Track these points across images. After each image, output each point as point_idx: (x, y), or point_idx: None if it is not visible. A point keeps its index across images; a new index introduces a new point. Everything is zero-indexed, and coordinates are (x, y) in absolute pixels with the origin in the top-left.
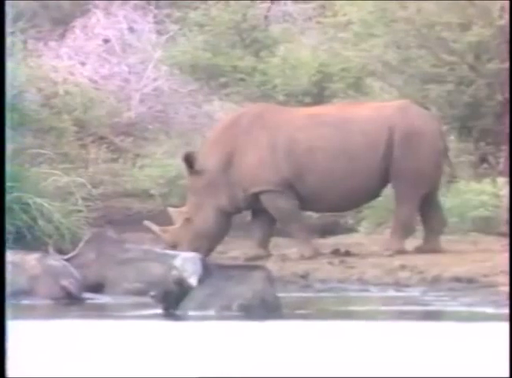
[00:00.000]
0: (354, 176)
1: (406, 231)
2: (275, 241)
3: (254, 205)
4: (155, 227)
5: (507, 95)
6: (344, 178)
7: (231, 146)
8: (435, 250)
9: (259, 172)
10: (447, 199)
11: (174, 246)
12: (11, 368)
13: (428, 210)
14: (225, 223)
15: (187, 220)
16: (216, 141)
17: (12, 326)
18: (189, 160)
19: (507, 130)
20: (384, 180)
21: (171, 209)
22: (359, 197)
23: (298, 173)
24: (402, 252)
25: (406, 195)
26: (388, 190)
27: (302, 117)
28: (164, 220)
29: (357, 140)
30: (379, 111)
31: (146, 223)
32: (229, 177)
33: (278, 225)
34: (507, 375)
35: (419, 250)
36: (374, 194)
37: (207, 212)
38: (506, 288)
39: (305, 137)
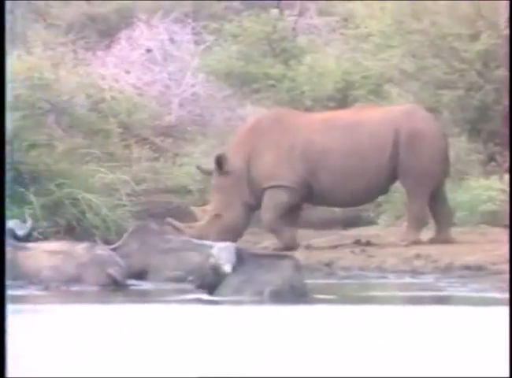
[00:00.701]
0: (364, 174)
1: (419, 223)
2: (302, 232)
3: None
4: (179, 224)
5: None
6: (355, 176)
7: (253, 147)
8: (448, 241)
9: (277, 170)
10: (458, 194)
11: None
12: (64, 351)
13: (435, 204)
14: (249, 217)
15: (216, 216)
16: (239, 143)
17: (62, 310)
18: (220, 161)
19: (507, 132)
20: (392, 178)
21: (194, 208)
22: (368, 193)
23: (313, 172)
24: (417, 242)
25: (415, 192)
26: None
27: (317, 121)
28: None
29: (366, 141)
30: (386, 114)
31: (169, 220)
32: (251, 175)
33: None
34: (507, 375)
35: (432, 241)
36: (382, 190)
37: (236, 208)
38: None
39: (320, 139)
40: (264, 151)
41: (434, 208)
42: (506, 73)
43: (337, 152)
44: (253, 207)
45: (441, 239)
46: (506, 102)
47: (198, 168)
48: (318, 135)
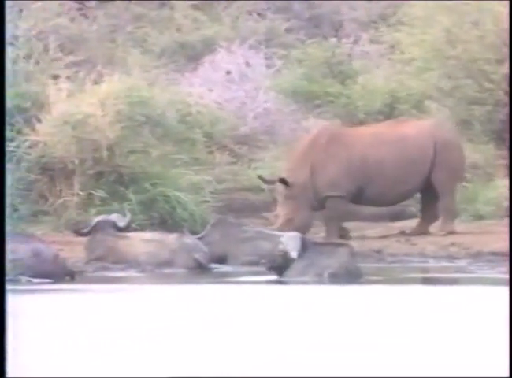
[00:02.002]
0: (410, 179)
1: (453, 215)
2: (356, 224)
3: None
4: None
5: None
6: (403, 182)
7: (314, 161)
8: (451, 232)
9: (337, 181)
10: (488, 192)
11: None
12: (156, 329)
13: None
14: (314, 217)
15: (289, 220)
16: (300, 157)
17: (155, 290)
18: (284, 182)
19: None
20: (428, 180)
21: (267, 214)
22: (410, 194)
23: (368, 181)
24: (452, 233)
25: (448, 189)
26: None
27: (368, 136)
28: (271, 207)
29: (412, 152)
30: (423, 128)
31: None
32: (314, 185)
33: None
34: (507, 375)
35: (438, 232)
36: (419, 190)
37: (305, 212)
38: None
39: (373, 153)
40: (325, 164)
41: (426, 203)
42: (507, 71)
43: (388, 163)
44: (316, 208)
45: (420, 230)
46: None
47: (261, 178)
48: (371, 148)
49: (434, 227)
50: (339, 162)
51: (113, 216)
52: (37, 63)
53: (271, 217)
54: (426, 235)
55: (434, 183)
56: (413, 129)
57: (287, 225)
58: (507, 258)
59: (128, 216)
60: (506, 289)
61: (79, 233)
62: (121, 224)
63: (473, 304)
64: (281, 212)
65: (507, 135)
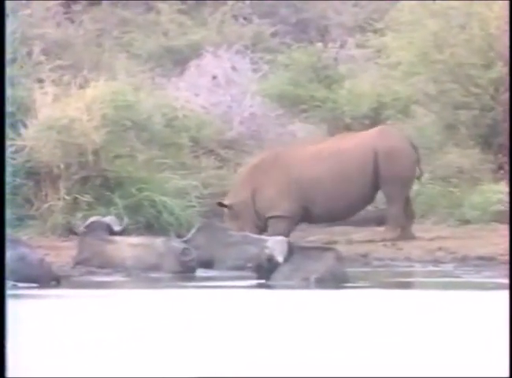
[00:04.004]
0: (351, 193)
1: (397, 224)
2: (343, 229)
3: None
4: None
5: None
6: (344, 195)
7: (256, 184)
8: (410, 238)
9: (277, 202)
10: (473, 197)
11: None
12: (147, 333)
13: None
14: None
15: None
16: (244, 180)
17: (141, 295)
18: (221, 205)
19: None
20: (376, 188)
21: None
22: (358, 205)
23: (311, 199)
24: (394, 239)
25: (394, 197)
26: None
27: (307, 156)
28: None
29: (351, 165)
30: (363, 139)
31: None
32: (256, 207)
33: None
34: (507, 375)
35: (398, 238)
36: (369, 199)
37: (251, 231)
38: None
39: (309, 171)
40: (265, 186)
41: (386, 210)
42: (502, 70)
43: (325, 180)
44: (263, 229)
45: (405, 236)
46: None
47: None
48: (307, 168)
49: (419, 232)
50: (278, 184)
51: (108, 219)
52: (22, 67)
53: None
54: (395, 240)
55: (382, 191)
56: (351, 142)
57: None
58: (494, 263)
59: (125, 220)
60: (494, 293)
61: (72, 232)
62: (117, 228)
63: (462, 308)
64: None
65: (500, 140)
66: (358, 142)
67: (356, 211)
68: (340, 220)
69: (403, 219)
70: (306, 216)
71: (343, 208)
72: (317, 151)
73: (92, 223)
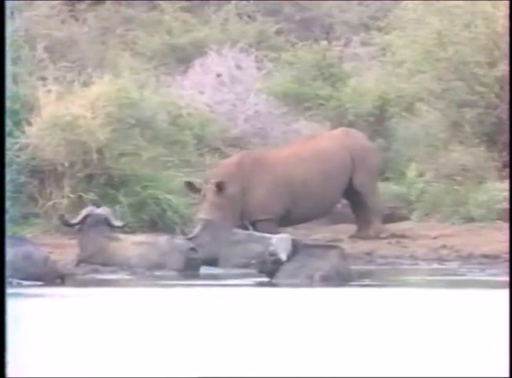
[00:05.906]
0: (333, 192)
1: (380, 214)
2: (347, 227)
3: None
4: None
5: None
6: (327, 195)
7: (245, 182)
8: (367, 237)
9: (267, 205)
10: (479, 195)
11: None
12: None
13: (358, 206)
14: None
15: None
16: (232, 174)
17: (146, 293)
18: (220, 187)
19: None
20: (349, 187)
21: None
22: (332, 205)
23: (296, 201)
24: (384, 232)
25: (371, 192)
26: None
27: (291, 158)
28: None
29: (332, 165)
30: (336, 139)
31: None
32: (244, 205)
33: None
34: (507, 375)
35: (353, 237)
36: (339, 200)
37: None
38: None
39: (297, 171)
40: (253, 189)
41: (357, 209)
42: (507, 68)
43: (312, 180)
44: (244, 228)
45: (361, 235)
46: None
47: (188, 184)
48: (294, 168)
49: (425, 230)
50: (267, 185)
51: (101, 210)
52: (26, 65)
53: None
54: (368, 239)
55: (357, 187)
56: (328, 142)
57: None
58: (498, 261)
59: (117, 209)
60: (498, 291)
61: (66, 224)
62: (118, 223)
63: (466, 306)
64: (202, 216)
65: (505, 138)
66: (335, 142)
67: (329, 210)
68: (314, 219)
69: (383, 210)
70: (284, 219)
71: (321, 208)
72: (297, 152)
73: (89, 216)
